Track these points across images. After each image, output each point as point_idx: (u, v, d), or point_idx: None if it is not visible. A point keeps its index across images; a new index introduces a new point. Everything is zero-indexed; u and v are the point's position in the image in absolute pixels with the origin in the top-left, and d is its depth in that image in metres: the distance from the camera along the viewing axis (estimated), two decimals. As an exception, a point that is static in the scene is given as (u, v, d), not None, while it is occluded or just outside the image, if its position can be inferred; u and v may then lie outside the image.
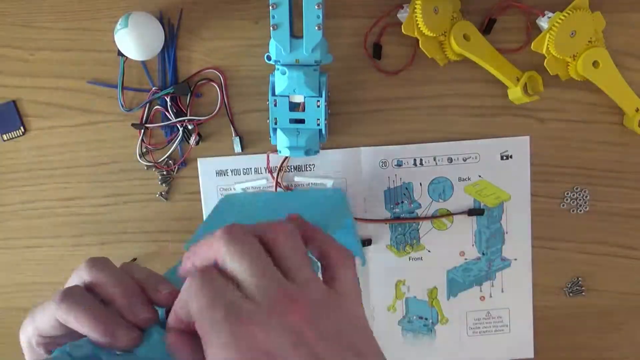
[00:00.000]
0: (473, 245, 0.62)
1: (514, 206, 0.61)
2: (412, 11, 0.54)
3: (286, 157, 0.60)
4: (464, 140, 0.60)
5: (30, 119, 0.62)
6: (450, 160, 0.61)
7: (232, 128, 0.60)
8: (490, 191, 0.61)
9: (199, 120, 0.60)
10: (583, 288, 0.63)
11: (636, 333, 0.64)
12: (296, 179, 0.61)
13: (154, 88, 0.60)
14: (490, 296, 0.63)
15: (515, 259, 0.62)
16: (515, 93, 0.57)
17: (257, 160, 0.61)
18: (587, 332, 0.64)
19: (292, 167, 0.61)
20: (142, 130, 0.61)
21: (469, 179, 0.61)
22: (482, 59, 0.56)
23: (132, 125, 0.60)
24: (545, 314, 0.63)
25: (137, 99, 0.60)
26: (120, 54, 0.57)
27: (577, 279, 0.63)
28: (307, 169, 0.61)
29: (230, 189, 0.62)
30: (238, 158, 0.61)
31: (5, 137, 0.62)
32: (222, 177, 0.61)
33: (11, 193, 0.63)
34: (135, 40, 0.55)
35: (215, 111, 0.60)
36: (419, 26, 0.54)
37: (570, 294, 0.63)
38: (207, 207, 0.62)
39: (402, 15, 0.56)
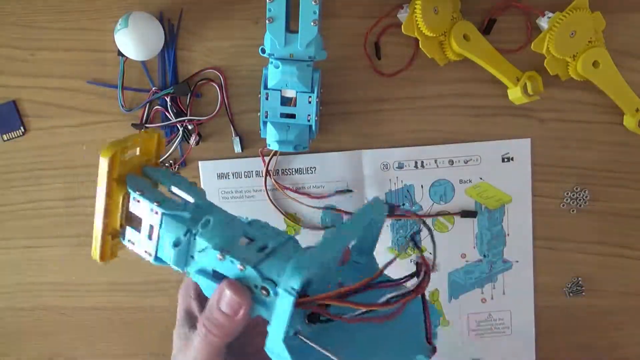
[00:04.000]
0: (474, 247, 0.62)
1: (515, 208, 0.61)
2: (412, 11, 0.54)
3: (276, 151, 0.60)
4: (465, 141, 0.60)
5: (30, 119, 0.62)
6: (451, 162, 0.60)
7: (232, 128, 0.60)
8: (492, 193, 0.61)
9: (199, 120, 0.60)
10: (583, 288, 0.63)
11: (636, 333, 0.64)
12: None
13: (154, 88, 0.60)
14: (492, 298, 0.63)
15: (517, 261, 0.62)
16: (515, 93, 0.57)
17: (258, 163, 0.61)
18: (587, 332, 0.64)
19: (294, 169, 0.61)
20: (142, 130, 0.61)
21: (470, 181, 0.61)
22: (482, 59, 0.56)
23: (132, 125, 0.60)
24: (545, 315, 0.63)
25: (137, 99, 0.60)
26: (120, 54, 0.57)
27: (577, 279, 0.63)
28: (308, 172, 0.61)
29: (232, 192, 0.62)
30: (239, 161, 0.61)
31: (5, 137, 0.62)
32: (224, 180, 0.62)
33: (11, 193, 0.63)
34: (135, 40, 0.55)
35: (215, 111, 0.60)
36: (419, 26, 0.54)
37: (570, 294, 0.63)
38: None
39: (402, 15, 0.56)
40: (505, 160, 0.60)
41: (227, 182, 0.61)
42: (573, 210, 0.61)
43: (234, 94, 0.60)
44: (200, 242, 0.38)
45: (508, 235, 0.62)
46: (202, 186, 0.62)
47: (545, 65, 0.56)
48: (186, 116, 0.60)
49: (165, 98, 0.60)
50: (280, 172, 0.61)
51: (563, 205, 0.61)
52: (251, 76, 0.60)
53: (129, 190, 0.41)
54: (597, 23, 0.55)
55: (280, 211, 0.62)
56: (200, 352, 0.35)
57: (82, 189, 0.63)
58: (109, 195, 0.41)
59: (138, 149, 0.43)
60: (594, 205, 0.61)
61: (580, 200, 0.61)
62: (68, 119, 0.61)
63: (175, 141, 0.61)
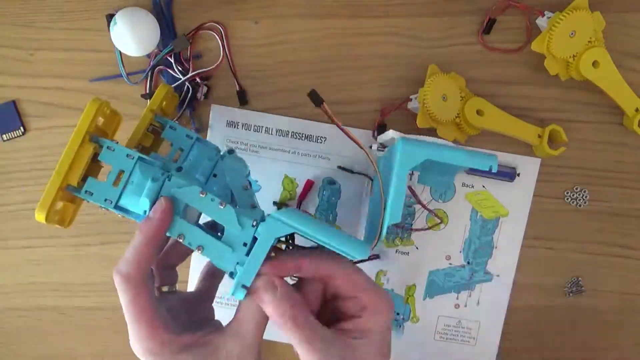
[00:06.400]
0: (461, 252, 0.62)
1: (509, 224, 0.61)
2: (422, 104, 0.55)
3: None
4: (477, 146, 0.60)
5: (30, 119, 0.62)
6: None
7: (235, 82, 0.60)
8: (490, 203, 0.61)
9: (204, 72, 0.59)
10: (583, 288, 0.63)
11: (636, 333, 0.64)
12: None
13: (155, 50, 0.59)
14: (465, 306, 0.62)
15: (498, 275, 0.62)
16: (541, 151, 0.58)
17: (270, 119, 0.60)
18: (587, 332, 0.64)
19: (303, 135, 0.60)
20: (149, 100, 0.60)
21: (472, 186, 0.61)
22: (498, 128, 0.57)
23: (142, 96, 0.60)
24: (545, 314, 0.63)
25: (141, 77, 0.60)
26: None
27: (577, 279, 0.63)
28: (318, 140, 0.60)
29: (238, 143, 0.61)
30: (252, 113, 0.60)
31: (5, 137, 0.62)
32: (232, 128, 0.60)
33: (11, 193, 0.63)
34: (129, 36, 0.54)
35: (219, 61, 0.59)
36: (433, 116, 0.55)
37: (570, 294, 0.63)
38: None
39: (412, 106, 0.57)
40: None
41: (236, 131, 0.61)
42: (573, 210, 0.61)
43: (233, 94, 0.60)
44: (178, 182, 0.45)
45: (496, 248, 0.62)
46: (209, 130, 0.61)
47: (545, 65, 0.56)
48: (189, 72, 0.59)
49: (169, 58, 0.59)
50: (290, 135, 0.61)
51: (563, 205, 0.61)
52: (251, 76, 0.60)
53: (103, 141, 0.46)
54: (597, 23, 0.55)
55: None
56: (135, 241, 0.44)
57: (82, 189, 0.63)
58: (83, 144, 0.46)
59: (103, 120, 0.49)
60: (594, 205, 0.61)
61: (580, 200, 0.61)
62: (68, 119, 0.62)
63: (185, 101, 0.60)
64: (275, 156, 0.61)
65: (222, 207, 0.44)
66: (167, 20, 0.59)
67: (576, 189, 0.61)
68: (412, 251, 0.62)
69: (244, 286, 0.43)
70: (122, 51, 0.56)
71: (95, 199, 0.46)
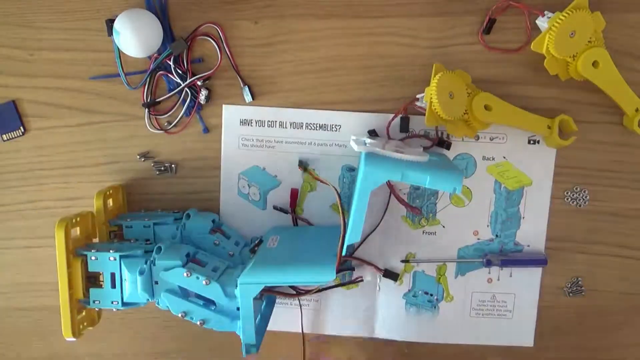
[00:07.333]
0: (488, 225, 0.61)
1: (534, 192, 0.61)
2: (429, 103, 0.54)
3: None
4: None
5: (30, 119, 0.62)
6: (477, 137, 0.60)
7: (239, 78, 0.60)
8: (513, 174, 0.60)
9: (204, 75, 0.59)
10: (583, 288, 0.63)
11: (636, 333, 0.64)
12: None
13: (155, 54, 0.59)
14: (498, 279, 0.62)
15: (528, 246, 0.62)
16: (552, 141, 0.58)
17: (283, 113, 0.60)
18: (587, 332, 0.64)
19: (317, 125, 0.60)
20: (147, 109, 0.60)
21: (493, 159, 0.60)
22: (507, 122, 0.57)
23: (143, 105, 0.60)
24: (545, 314, 0.63)
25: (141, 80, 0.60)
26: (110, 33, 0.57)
27: (577, 279, 0.63)
28: (333, 129, 0.60)
29: (253, 139, 0.61)
30: (263, 109, 0.60)
31: (5, 137, 0.62)
32: (246, 126, 0.61)
33: (11, 193, 0.63)
34: (131, 38, 0.54)
35: (217, 64, 0.59)
36: (440, 116, 0.54)
37: (570, 294, 0.63)
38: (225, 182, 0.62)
39: (420, 105, 0.57)
40: (532, 142, 0.60)
41: (250, 129, 0.61)
42: (573, 210, 0.61)
43: (234, 94, 0.60)
44: (163, 264, 0.49)
45: (523, 218, 0.61)
46: (223, 131, 0.61)
47: (545, 65, 0.56)
48: (188, 75, 0.59)
49: (168, 61, 0.59)
50: (304, 126, 0.61)
51: (563, 205, 0.61)
52: (251, 76, 0.60)
53: (85, 252, 0.50)
54: (597, 23, 0.55)
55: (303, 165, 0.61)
56: None
57: (82, 189, 0.63)
58: (69, 263, 0.50)
59: (78, 228, 0.53)
60: (594, 205, 0.61)
61: (580, 200, 0.61)
62: (68, 119, 0.61)
63: (184, 103, 0.59)
64: (291, 149, 0.61)
65: (207, 285, 0.48)
66: (164, 22, 0.59)
67: (576, 189, 0.61)
68: (439, 230, 0.62)
69: (252, 345, 0.49)
70: (125, 53, 0.56)
71: (103, 304, 0.51)
